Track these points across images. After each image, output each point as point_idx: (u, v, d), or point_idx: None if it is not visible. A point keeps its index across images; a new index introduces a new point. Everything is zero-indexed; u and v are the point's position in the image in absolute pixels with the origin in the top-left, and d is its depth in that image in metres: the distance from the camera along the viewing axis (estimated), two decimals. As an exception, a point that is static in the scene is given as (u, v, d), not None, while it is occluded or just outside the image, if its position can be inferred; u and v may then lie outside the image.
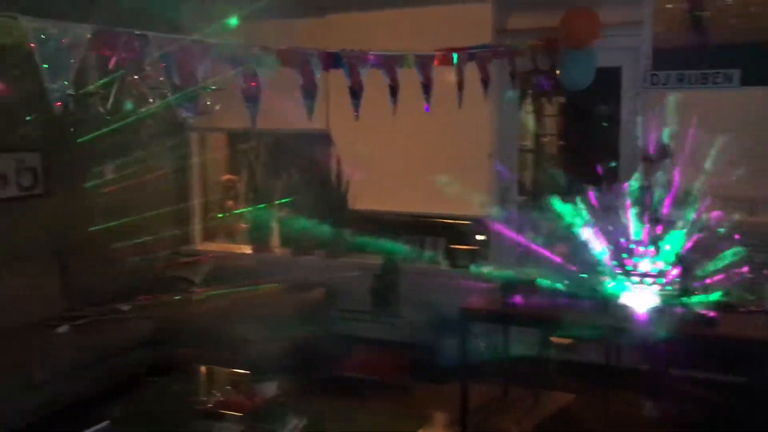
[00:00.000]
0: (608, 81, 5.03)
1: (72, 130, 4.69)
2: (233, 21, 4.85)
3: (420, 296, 5.29)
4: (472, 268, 5.33)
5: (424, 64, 3.80)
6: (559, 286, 4.38)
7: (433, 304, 5.21)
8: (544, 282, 4.45)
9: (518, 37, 4.94)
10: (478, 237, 5.59)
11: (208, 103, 3.11)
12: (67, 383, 4.22)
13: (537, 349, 4.83)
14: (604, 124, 5.29)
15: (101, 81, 2.97)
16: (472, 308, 4.24)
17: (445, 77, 4.08)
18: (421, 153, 5.52)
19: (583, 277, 4.17)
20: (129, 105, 3.26)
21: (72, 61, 2.19)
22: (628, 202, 4.09)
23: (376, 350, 5.27)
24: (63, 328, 4.57)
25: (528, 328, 4.46)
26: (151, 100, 3.05)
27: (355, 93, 3.32)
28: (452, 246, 5.51)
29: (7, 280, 4.64)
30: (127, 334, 4.71)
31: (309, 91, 3.02)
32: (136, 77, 3.07)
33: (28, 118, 3.70)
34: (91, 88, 3.01)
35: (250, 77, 2.72)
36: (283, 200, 6.01)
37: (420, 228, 5.70)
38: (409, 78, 3.79)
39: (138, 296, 5.18)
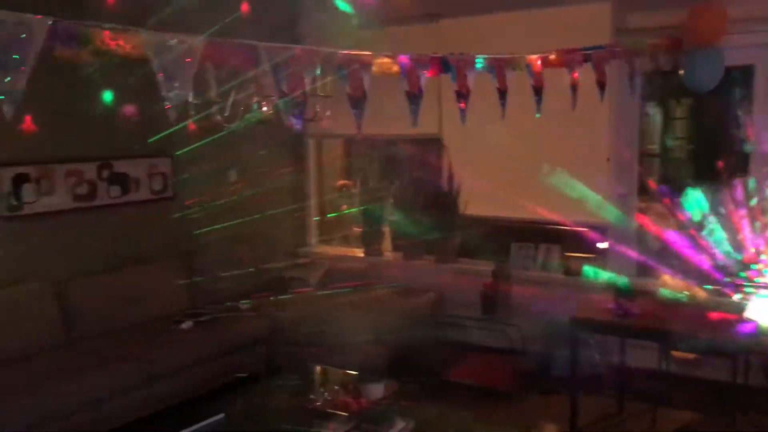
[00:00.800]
0: (737, 81, 4.72)
1: (196, 137, 4.96)
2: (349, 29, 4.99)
3: (531, 304, 5.17)
4: (587, 276, 5.15)
5: (535, 66, 3.72)
6: (682, 297, 4.17)
7: (545, 312, 5.08)
8: (665, 292, 4.25)
9: (639, 36, 4.73)
10: (597, 245, 5.39)
11: (318, 110, 3.19)
12: (187, 377, 4.46)
13: (656, 363, 4.60)
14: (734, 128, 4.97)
15: (217, 90, 3.12)
16: (585, 318, 4.11)
17: (559, 79, 3.98)
18: (535, 157, 5.40)
19: (707, 288, 3.94)
20: (253, 111, 3.39)
21: (187, 71, 2.31)
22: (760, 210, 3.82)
23: (485, 357, 5.20)
24: (186, 324, 4.83)
25: (646, 340, 4.25)
26: (265, 108, 3.18)
27: (462, 97, 3.29)
28: (567, 253, 5.35)
29: (138, 277, 4.97)
30: (245, 331, 4.91)
31: (414, 97, 3.03)
32: (251, 86, 3.21)
33: (170, 129, 3.93)
34: (210, 96, 3.15)
35: (355, 84, 2.76)
36: (396, 205, 6.07)
37: (533, 234, 5.57)
38: (524, 81, 3.73)
39: (256, 295, 5.41)
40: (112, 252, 4.99)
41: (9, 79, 1.97)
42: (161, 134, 4.12)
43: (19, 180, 4.50)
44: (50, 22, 2.09)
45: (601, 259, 5.31)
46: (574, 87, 3.94)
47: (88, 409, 3.91)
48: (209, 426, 3.41)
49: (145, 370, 4.25)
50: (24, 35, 1.99)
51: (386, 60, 3.04)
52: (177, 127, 2.42)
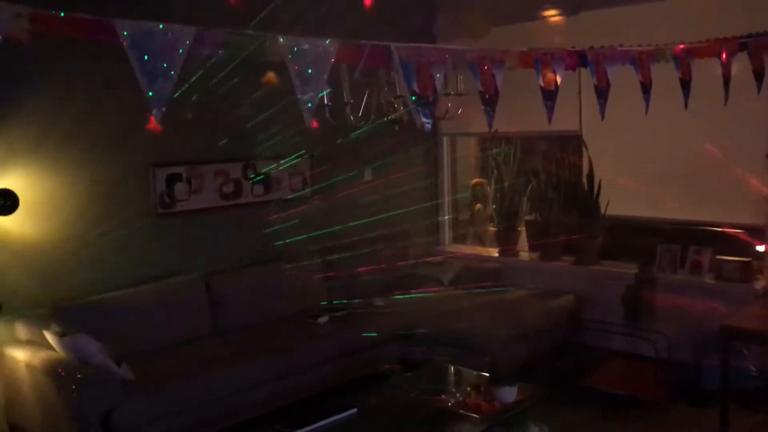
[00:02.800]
0: None
1: (333, 138, 5.10)
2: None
3: (679, 310, 4.87)
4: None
5: (682, 57, 3.49)
6: None
7: (693, 319, 4.77)
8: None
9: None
10: (754, 248, 4.98)
11: (449, 108, 3.17)
12: (322, 370, 4.59)
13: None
14: None
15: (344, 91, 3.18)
16: (737, 327, 3.81)
17: (710, 72, 3.71)
18: (682, 154, 5.08)
19: None
20: (385, 111, 3.43)
21: (321, 73, 2.37)
22: None
23: (627, 365, 4.95)
24: (322, 319, 4.98)
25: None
26: (396, 107, 3.20)
27: (602, 93, 3.15)
28: (719, 257, 4.97)
29: (279, 272, 5.18)
30: (379, 328, 4.97)
31: (549, 93, 2.94)
32: (383, 86, 3.24)
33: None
34: (344, 97, 3.23)
35: (487, 81, 2.72)
36: (532, 203, 5.92)
37: (681, 236, 5.23)
38: (669, 74, 3.52)
39: (391, 292, 5.47)
40: (255, 247, 5.24)
41: (158, 87, 2.10)
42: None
43: (172, 179, 4.83)
44: (195, 31, 2.21)
45: (760, 262, 4.90)
46: (726, 79, 3.66)
47: (231, 397, 4.12)
48: (342, 419, 3.51)
49: (285, 363, 4.41)
50: (171, 44, 2.13)
51: (520, 56, 2.97)
52: (310, 129, 2.48)
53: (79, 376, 3.62)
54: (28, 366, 3.87)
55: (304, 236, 5.49)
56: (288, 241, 5.40)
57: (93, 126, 4.37)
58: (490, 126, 2.75)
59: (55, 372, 3.70)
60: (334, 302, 5.30)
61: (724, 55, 3.64)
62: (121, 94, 4.19)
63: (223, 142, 4.94)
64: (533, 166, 5.98)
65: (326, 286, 5.42)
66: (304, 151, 5.41)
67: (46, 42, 3.79)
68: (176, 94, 2.25)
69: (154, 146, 4.54)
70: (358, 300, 5.31)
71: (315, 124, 2.25)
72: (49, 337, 3.91)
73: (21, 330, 4.16)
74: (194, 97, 4.38)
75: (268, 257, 5.25)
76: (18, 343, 4.12)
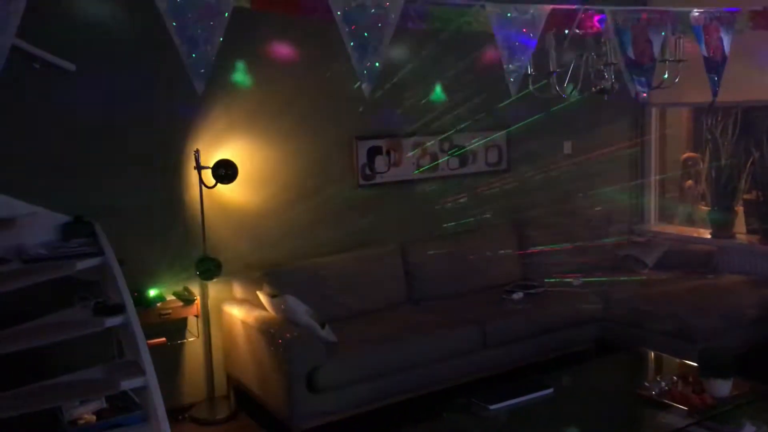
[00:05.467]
0: None
1: (532, 109, 4.96)
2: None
3: None
4: None
5: None
6: None
7: None
8: None
9: None
10: None
11: (666, 76, 2.93)
12: (517, 347, 4.52)
13: None
14: None
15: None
16: None
17: None
18: None
19: None
20: (594, 80, 3.25)
21: (529, 42, 2.28)
22: None
23: None
24: (517, 295, 4.89)
25: None
26: (607, 75, 3.01)
27: None
28: None
29: (474, 245, 5.17)
30: (576, 308, 4.80)
31: (787, 56, 2.60)
32: (593, 54, 3.06)
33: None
34: (551, 67, 3.09)
35: (713, 45, 2.46)
36: (753, 181, 5.35)
37: None
38: None
39: (589, 272, 5.25)
40: (450, 220, 5.26)
41: (368, 59, 2.14)
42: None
43: (373, 152, 4.97)
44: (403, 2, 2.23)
45: None
46: None
47: (426, 366, 4.19)
48: (537, 399, 3.44)
49: (478, 336, 4.40)
50: (380, 16, 2.15)
51: (752, 16, 2.66)
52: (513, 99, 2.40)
53: (287, 335, 3.87)
54: (244, 323, 4.22)
55: (500, 210, 5.43)
56: (483, 215, 5.37)
57: (301, 100, 4.60)
58: (714, 94, 2.51)
59: (266, 330, 4.00)
60: (529, 279, 5.18)
61: None
62: (328, 69, 4.40)
63: (423, 115, 5.00)
64: (755, 140, 5.39)
65: (522, 262, 5.32)
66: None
67: (259, 22, 4.05)
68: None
69: (357, 119, 4.69)
70: (554, 278, 5.15)
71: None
72: (262, 297, 4.22)
73: (237, 289, 4.53)
74: (400, 71, 4.48)
75: (463, 230, 5.26)
76: (235, 301, 4.49)
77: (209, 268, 4.24)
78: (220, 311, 4.48)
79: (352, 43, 2.14)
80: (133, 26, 3.98)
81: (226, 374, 4.54)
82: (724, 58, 2.52)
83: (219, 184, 4.27)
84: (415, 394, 4.17)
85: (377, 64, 2.15)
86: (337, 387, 3.90)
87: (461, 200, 5.32)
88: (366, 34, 2.13)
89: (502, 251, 5.26)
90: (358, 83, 2.22)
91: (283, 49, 4.52)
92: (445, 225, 5.25)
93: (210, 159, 4.28)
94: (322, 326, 4.00)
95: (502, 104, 4.44)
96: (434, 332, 4.31)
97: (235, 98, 4.42)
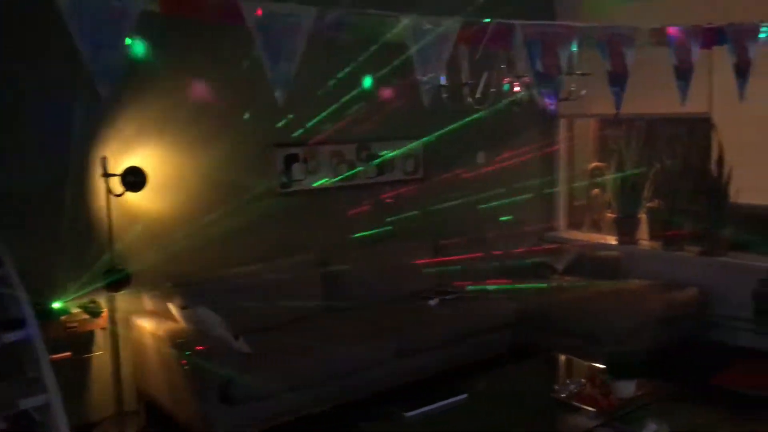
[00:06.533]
0: None
1: (447, 119, 5.04)
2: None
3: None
4: None
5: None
6: None
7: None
8: None
9: None
10: None
11: (573, 88, 3.04)
12: (432, 354, 4.56)
13: None
14: None
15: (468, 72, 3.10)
16: None
17: None
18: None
19: None
20: (505, 92, 3.33)
21: (442, 53, 2.32)
22: None
23: (757, 363, 4.63)
24: (433, 301, 4.95)
25: None
26: (517, 89, 3.10)
27: (741, 72, 2.92)
28: None
29: (390, 253, 5.19)
30: (490, 313, 4.90)
31: (683, 73, 2.75)
32: (503, 66, 3.14)
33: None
34: (462, 79, 3.15)
35: (616, 60, 2.57)
36: (655, 190, 5.62)
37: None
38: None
39: (502, 278, 5.37)
40: (367, 228, 5.27)
41: (282, 67, 2.12)
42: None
43: (290, 160, 4.93)
44: (317, 12, 2.22)
45: None
46: None
47: (344, 375, 4.18)
48: (451, 405, 3.48)
49: (396, 344, 4.42)
50: (294, 25, 2.14)
51: (653, 33, 2.79)
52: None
53: (199, 347, 3.77)
54: (154, 336, 4.08)
55: (416, 219, 5.48)
56: (399, 223, 5.40)
57: (217, 106, 4.51)
58: (617, 107, 2.61)
59: (177, 342, 3.88)
60: (445, 285, 5.25)
61: None
62: (244, 75, 4.31)
63: (339, 123, 4.99)
64: (657, 151, 5.67)
65: (437, 269, 5.39)
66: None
67: (173, 24, 3.95)
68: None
69: (274, 126, 4.64)
70: (469, 284, 5.24)
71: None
72: (173, 309, 4.10)
73: (147, 301, 4.39)
74: (314, 79, 4.45)
75: (379, 238, 5.28)
76: (145, 313, 4.35)
77: (117, 280, 4.09)
78: (129, 324, 4.32)
79: (265, 51, 2.11)
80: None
81: (135, 389, 4.38)
82: (627, 73, 2.63)
83: (128, 192, 4.13)
84: (333, 404, 4.15)
85: (291, 72, 2.13)
86: (253, 399, 3.82)
87: (378, 208, 5.34)
88: (279, 42, 2.11)
89: (419, 259, 5.31)
90: (275, 91, 2.19)
91: (196, 54, 4.42)
92: (363, 233, 5.25)
93: (118, 166, 4.14)
94: (236, 337, 3.92)
95: (418, 114, 4.49)
96: (352, 341, 4.30)
97: (144, 104, 4.29)
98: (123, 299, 4.28)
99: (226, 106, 4.55)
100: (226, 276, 4.49)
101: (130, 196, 4.21)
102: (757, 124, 4.96)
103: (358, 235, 5.21)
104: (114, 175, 4.09)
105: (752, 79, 3.06)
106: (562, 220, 6.49)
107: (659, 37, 2.77)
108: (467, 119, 4.36)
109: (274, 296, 4.57)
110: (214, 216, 4.56)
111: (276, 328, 4.44)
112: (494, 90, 3.25)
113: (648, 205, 5.71)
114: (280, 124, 4.55)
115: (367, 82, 4.92)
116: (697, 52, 2.88)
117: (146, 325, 4.19)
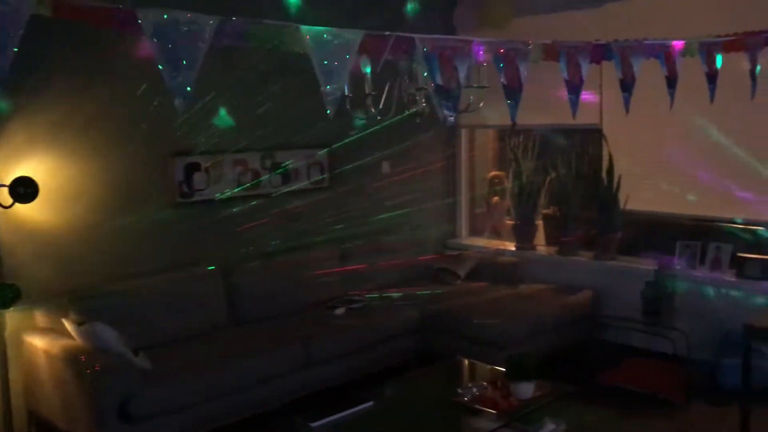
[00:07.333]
0: None
1: (352, 130, 5.08)
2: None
3: (699, 308, 4.82)
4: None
5: (709, 51, 3.43)
6: None
7: (713, 317, 4.72)
8: None
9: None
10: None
11: (472, 100, 3.13)
12: (339, 363, 4.57)
13: None
14: None
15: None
16: (761, 326, 3.75)
17: (738, 65, 3.65)
18: (705, 150, 5.01)
19: None
20: (407, 103, 3.39)
21: (344, 65, 2.34)
22: None
23: (646, 362, 4.91)
24: (339, 310, 4.96)
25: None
26: (418, 99, 3.17)
27: (627, 86, 3.10)
28: (740, 254, 4.91)
29: (297, 263, 5.17)
30: (395, 321, 4.96)
31: (574, 86, 2.89)
32: (405, 78, 3.21)
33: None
34: (366, 90, 3.19)
35: (511, 74, 2.68)
36: (551, 197, 5.87)
37: (702, 233, 5.17)
38: (695, 68, 3.46)
39: (406, 285, 5.45)
40: (272, 238, 5.23)
41: (180, 76, 2.09)
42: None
43: (191, 169, 4.82)
44: (218, 21, 2.19)
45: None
46: (752, 74, 3.60)
47: (250, 389, 4.12)
48: (358, 413, 3.50)
49: (302, 355, 4.39)
50: (194, 33, 2.11)
51: (545, 48, 2.92)
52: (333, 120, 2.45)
53: (96, 364, 3.63)
54: (47, 354, 3.89)
55: (321, 227, 5.48)
56: (305, 232, 5.39)
57: (113, 114, 4.37)
58: (513, 120, 2.72)
59: (72, 360, 3.72)
60: (351, 294, 5.27)
61: (751, 49, 3.58)
62: (142, 83, 4.20)
63: (243, 132, 4.93)
64: (552, 160, 5.92)
65: (343, 278, 5.40)
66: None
67: (68, 28, 3.80)
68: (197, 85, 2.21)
69: (173, 135, 4.53)
70: (374, 293, 5.29)
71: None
72: (68, 325, 3.93)
73: (40, 318, 4.18)
74: (216, 87, 4.39)
75: (285, 248, 5.24)
76: (37, 330, 4.14)
77: (5, 296, 3.87)
78: (20, 342, 4.10)
79: (162, 59, 2.07)
80: None
81: (27, 410, 4.15)
82: (521, 86, 2.74)
83: (17, 204, 3.92)
84: (240, 417, 4.09)
85: (190, 80, 2.09)
86: (155, 416, 3.71)
87: (284, 218, 5.30)
88: (178, 50, 2.07)
89: (325, 268, 5.30)
90: (175, 100, 2.15)
91: (90, 60, 4.27)
92: (268, 243, 5.20)
93: (7, 176, 3.93)
94: (136, 353, 3.80)
95: (322, 124, 4.50)
96: (257, 353, 4.25)
97: (36, 111, 4.10)
98: (13, 316, 4.06)
99: (124, 114, 4.42)
100: (126, 289, 4.33)
101: (21, 208, 4.00)
102: (642, 136, 5.27)
103: (263, 244, 5.16)
104: (2, 186, 3.88)
105: (637, 93, 3.25)
106: (463, 228, 6.66)
107: (550, 52, 2.90)
108: (371, 129, 4.41)
109: (177, 309, 4.47)
110: (112, 228, 4.41)
111: (179, 342, 4.33)
112: (397, 101, 3.30)
113: (544, 212, 5.95)
114: (179, 133, 4.46)
115: (273, 90, 4.89)
116: (586, 67, 3.03)
117: (39, 342, 3.98)
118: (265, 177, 5.23)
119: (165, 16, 2.08)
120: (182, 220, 4.78)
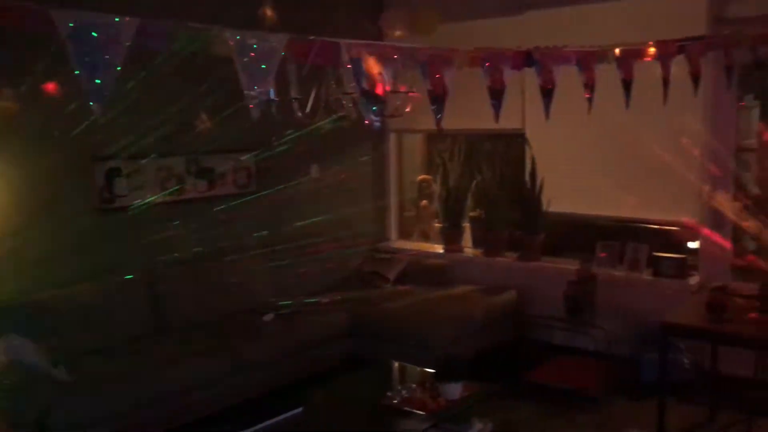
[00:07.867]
0: None
1: (279, 133, 5.03)
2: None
3: (618, 306, 5.00)
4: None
5: (625, 59, 3.56)
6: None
7: (632, 314, 4.90)
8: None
9: (739, 26, 4.47)
10: (687, 244, 5.16)
11: (398, 105, 3.16)
12: (269, 369, 4.52)
13: (752, 371, 4.35)
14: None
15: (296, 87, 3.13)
16: (675, 323, 3.92)
17: (651, 73, 3.80)
18: (622, 153, 5.21)
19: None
20: (333, 108, 3.39)
21: (269, 68, 2.33)
22: None
23: (569, 359, 5.06)
24: (268, 316, 4.91)
25: (742, 348, 4.02)
26: (345, 103, 3.17)
27: (547, 92, 3.19)
28: (656, 254, 5.12)
29: (223, 269, 5.08)
30: (324, 325, 4.94)
31: (496, 92, 2.95)
32: (332, 82, 3.21)
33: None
34: (291, 94, 3.18)
35: (435, 79, 2.72)
36: (477, 200, 5.98)
37: (620, 233, 5.37)
38: (611, 74, 3.59)
39: (336, 290, 5.45)
40: (198, 244, 5.12)
41: (99, 80, 2.03)
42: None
43: (112, 174, 4.68)
44: (137, 22, 2.14)
45: (693, 259, 5.07)
46: (665, 81, 3.76)
47: (176, 398, 4.03)
48: (288, 419, 3.47)
49: (230, 362, 4.33)
50: (113, 36, 2.05)
51: (468, 55, 2.97)
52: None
53: (9, 379, 3.48)
54: (-42, 369, 3.71)
55: (249, 232, 5.41)
56: (232, 237, 5.31)
57: (28, 118, 4.20)
58: (438, 125, 2.75)
59: (-14, 375, 3.56)
60: (280, 300, 5.22)
61: (663, 57, 3.74)
62: (59, 85, 4.05)
63: (165, 136, 4.81)
64: (478, 164, 6.04)
65: (272, 283, 5.35)
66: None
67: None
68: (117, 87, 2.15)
69: (92, 140, 4.38)
70: (303, 297, 5.26)
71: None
72: (-19, 338, 3.75)
73: (-50, 331, 3.97)
74: (136, 91, 4.27)
75: (211, 254, 5.15)
76: (-54, 344, 3.93)
77: None
78: (-73, 357, 3.88)
79: (79, 62, 2.00)
80: None
81: (-65, 430, 3.94)
82: (446, 92, 2.78)
83: (-77, 212, 3.72)
84: (166, 427, 3.99)
85: (108, 84, 2.03)
86: (75, 429, 3.58)
87: (210, 223, 5.21)
88: (95, 53, 2.01)
89: (253, 273, 5.24)
90: (92, 104, 2.08)
91: (3, 62, 4.09)
92: (194, 249, 5.09)
93: None
94: (55, 365, 3.66)
95: (248, 127, 4.44)
96: (183, 362, 4.16)
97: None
98: None
99: (40, 119, 4.24)
100: (44, 299, 4.17)
101: (-74, 216, 3.80)
102: (562, 141, 5.44)
103: (188, 251, 5.05)
104: None
105: (557, 98, 3.34)
106: (393, 231, 6.70)
107: (474, 59, 2.96)
108: (297, 133, 4.39)
109: (99, 319, 4.34)
110: (28, 236, 4.23)
111: (102, 352, 4.19)
112: (324, 105, 3.30)
113: (471, 214, 6.05)
114: (99, 137, 4.32)
115: (198, 93, 4.79)
116: (508, 74, 3.10)
117: (-52, 357, 3.79)
118: (189, 182, 5.12)
119: (81, 18, 2.01)
120: (103, 227, 4.63)
